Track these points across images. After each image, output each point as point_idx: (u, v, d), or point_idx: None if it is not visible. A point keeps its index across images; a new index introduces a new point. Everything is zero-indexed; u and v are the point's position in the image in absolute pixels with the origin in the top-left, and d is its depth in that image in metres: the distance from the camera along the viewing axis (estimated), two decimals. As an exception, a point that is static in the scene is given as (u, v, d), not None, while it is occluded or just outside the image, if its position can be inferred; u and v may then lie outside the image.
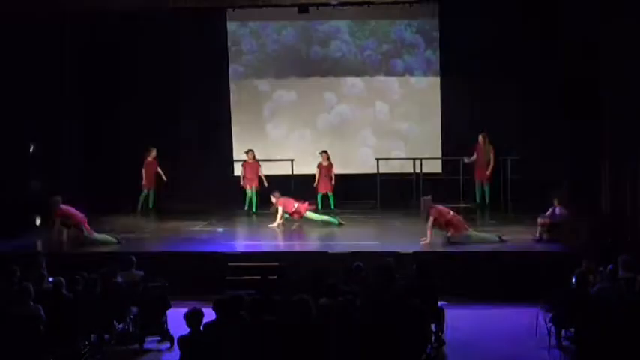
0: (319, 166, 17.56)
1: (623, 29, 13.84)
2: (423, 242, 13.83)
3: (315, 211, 16.41)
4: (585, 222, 13.28)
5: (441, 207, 14.00)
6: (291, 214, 15.90)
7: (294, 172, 18.50)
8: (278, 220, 15.86)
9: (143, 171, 18.05)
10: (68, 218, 14.71)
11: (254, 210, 17.61)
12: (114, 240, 14.65)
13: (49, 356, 9.82)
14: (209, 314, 8.83)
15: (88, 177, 18.52)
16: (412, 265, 11.15)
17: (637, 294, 9.83)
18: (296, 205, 15.88)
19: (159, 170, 18.10)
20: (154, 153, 18.09)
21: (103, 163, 18.95)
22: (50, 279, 11.12)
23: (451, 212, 14.10)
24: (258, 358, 8.54)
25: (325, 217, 16.08)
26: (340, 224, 15.80)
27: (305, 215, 15.91)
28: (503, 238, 14.00)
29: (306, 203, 16.09)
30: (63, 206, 14.82)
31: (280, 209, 15.84)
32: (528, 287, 12.25)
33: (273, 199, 16.02)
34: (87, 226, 14.69)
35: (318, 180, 17.50)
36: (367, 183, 18.38)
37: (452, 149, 18.38)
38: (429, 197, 14.11)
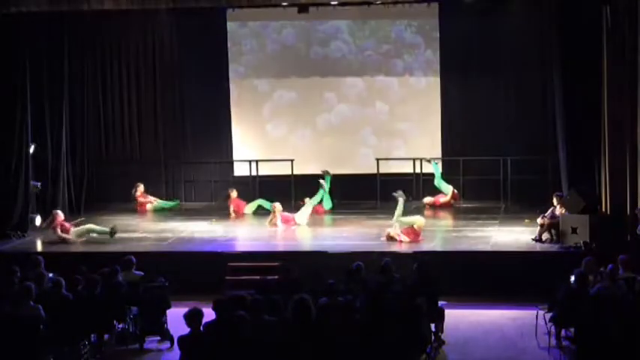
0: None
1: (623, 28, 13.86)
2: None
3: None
4: (585, 221, 13.27)
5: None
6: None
7: (294, 172, 18.50)
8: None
9: None
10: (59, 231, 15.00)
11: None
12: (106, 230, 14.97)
13: (49, 356, 9.82)
14: (209, 314, 8.84)
15: (88, 178, 18.54)
16: (412, 265, 11.15)
17: (637, 294, 9.83)
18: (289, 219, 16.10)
19: None
20: None
21: (104, 164, 18.99)
22: (50, 275, 11.14)
23: None
24: (258, 358, 8.54)
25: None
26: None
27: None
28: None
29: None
30: (60, 221, 15.02)
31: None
32: (528, 287, 12.26)
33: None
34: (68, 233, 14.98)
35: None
36: (367, 183, 18.37)
37: (452, 149, 18.38)
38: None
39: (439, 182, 17.50)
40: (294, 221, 15.98)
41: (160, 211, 17.82)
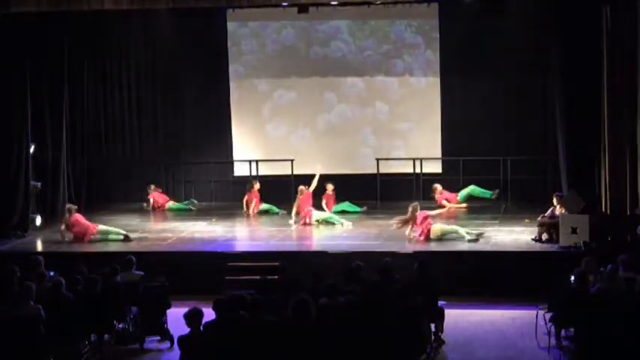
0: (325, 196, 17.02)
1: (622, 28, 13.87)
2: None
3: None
4: (585, 221, 13.27)
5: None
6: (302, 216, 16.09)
7: (294, 172, 18.49)
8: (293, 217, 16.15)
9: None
10: (75, 226, 14.85)
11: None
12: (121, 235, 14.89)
13: (49, 356, 9.82)
14: (209, 314, 8.84)
15: (88, 178, 18.55)
16: (412, 265, 11.15)
17: (637, 294, 9.83)
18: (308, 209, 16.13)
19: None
20: None
21: (104, 164, 19.00)
22: (51, 273, 11.16)
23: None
24: (258, 358, 8.55)
25: (331, 216, 16.25)
26: (342, 224, 15.86)
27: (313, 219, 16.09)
28: (480, 235, 14.23)
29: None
30: (76, 215, 14.93)
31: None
32: (528, 287, 12.26)
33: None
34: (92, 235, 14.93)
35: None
36: (367, 183, 18.37)
37: (452, 149, 18.37)
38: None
39: (466, 192, 17.41)
40: (310, 215, 16.03)
41: (175, 211, 17.90)
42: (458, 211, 16.92)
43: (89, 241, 14.76)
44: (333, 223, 15.92)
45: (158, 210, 17.94)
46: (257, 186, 17.53)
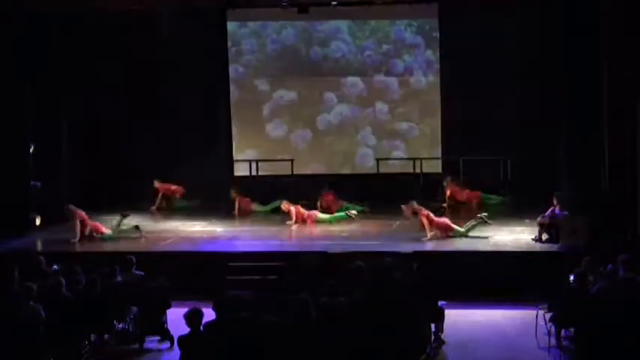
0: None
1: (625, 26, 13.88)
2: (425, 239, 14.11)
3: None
4: (585, 221, 13.26)
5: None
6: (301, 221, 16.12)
7: (294, 172, 18.50)
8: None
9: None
10: (84, 221, 14.97)
11: None
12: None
13: (49, 356, 9.82)
14: (209, 314, 8.84)
15: (89, 178, 18.55)
16: (412, 265, 11.14)
17: (637, 294, 9.83)
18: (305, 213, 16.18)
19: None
20: None
21: (104, 163, 18.99)
22: (55, 267, 11.17)
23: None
24: (258, 358, 8.55)
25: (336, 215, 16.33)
26: (350, 217, 16.01)
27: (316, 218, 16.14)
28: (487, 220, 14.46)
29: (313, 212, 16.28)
30: (79, 211, 14.99)
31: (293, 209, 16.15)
32: (528, 287, 12.26)
33: (284, 207, 16.24)
34: (101, 230, 15.05)
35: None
36: (367, 183, 18.37)
37: (452, 149, 18.38)
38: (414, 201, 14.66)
39: (488, 198, 17.48)
40: (311, 217, 16.15)
41: (180, 209, 18.05)
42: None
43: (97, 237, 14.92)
44: (339, 219, 16.05)
45: (169, 196, 18.01)
46: (234, 194, 17.56)
